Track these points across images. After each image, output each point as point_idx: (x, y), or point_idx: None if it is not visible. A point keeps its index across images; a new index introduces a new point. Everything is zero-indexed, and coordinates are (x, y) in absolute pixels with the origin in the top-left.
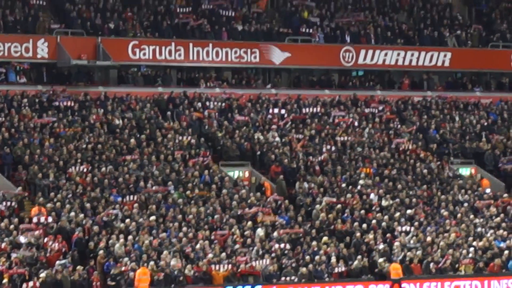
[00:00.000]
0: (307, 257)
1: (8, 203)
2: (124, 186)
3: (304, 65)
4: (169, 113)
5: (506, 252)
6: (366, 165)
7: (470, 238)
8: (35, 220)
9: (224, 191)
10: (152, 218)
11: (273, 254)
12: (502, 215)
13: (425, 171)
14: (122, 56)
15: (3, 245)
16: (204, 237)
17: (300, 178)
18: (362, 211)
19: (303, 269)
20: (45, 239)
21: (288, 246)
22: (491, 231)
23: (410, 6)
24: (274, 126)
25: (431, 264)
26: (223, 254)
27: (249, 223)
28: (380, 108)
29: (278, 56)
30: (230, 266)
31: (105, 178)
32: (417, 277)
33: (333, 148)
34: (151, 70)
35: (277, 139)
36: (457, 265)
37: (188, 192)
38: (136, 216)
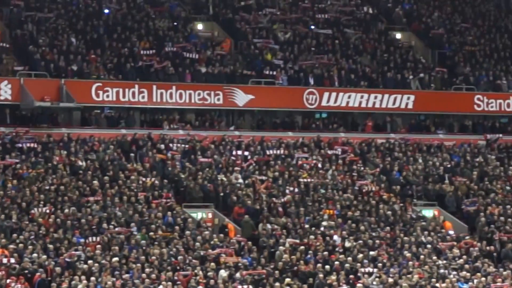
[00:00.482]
0: None
1: None
2: (87, 227)
3: (268, 107)
4: (132, 154)
5: None
6: (329, 206)
7: (433, 280)
8: None
9: (187, 232)
10: (115, 259)
11: None
12: (465, 256)
13: (388, 212)
14: (85, 98)
15: None
16: (167, 278)
17: (264, 219)
18: (325, 253)
19: None
20: (8, 281)
21: (251, 287)
22: (454, 272)
23: (373, 49)
24: (237, 168)
25: None
26: None
27: (212, 264)
28: (343, 150)
29: (241, 98)
30: None
31: (68, 219)
32: None
33: (297, 189)
34: (114, 112)
35: (240, 180)
36: None
37: (151, 233)
38: (99, 257)
